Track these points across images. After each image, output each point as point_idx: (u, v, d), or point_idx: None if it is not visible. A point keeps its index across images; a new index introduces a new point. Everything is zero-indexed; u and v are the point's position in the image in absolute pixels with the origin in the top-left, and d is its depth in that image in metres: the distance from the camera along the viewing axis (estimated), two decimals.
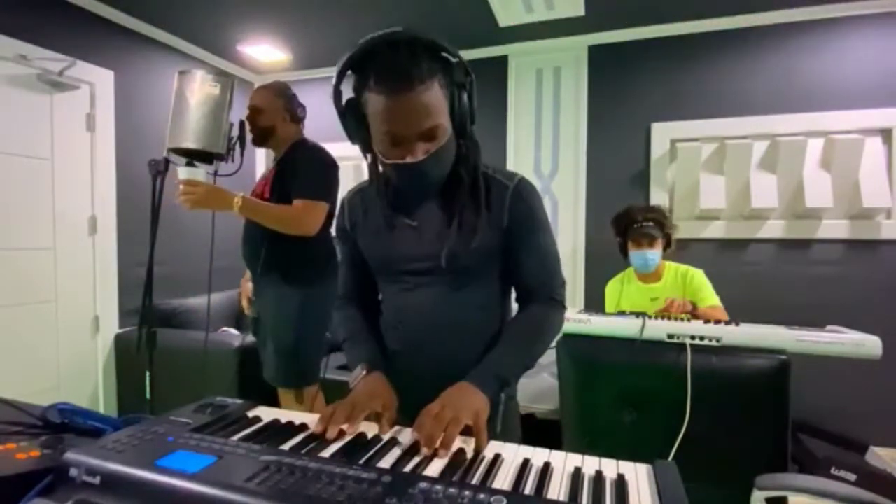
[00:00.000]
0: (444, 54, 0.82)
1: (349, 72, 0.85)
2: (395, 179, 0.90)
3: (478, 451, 0.68)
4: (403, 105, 0.79)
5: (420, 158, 0.83)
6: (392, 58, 0.79)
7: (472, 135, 0.92)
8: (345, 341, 1.03)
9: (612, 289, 2.40)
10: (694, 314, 1.98)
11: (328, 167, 1.87)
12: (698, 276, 2.19)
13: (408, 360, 0.98)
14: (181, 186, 1.67)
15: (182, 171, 1.68)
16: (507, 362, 0.89)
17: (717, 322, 1.68)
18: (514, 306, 1.04)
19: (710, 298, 2.13)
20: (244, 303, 2.06)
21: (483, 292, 0.97)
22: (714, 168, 2.85)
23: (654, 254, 2.16)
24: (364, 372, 0.92)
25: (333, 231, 1.29)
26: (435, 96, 0.81)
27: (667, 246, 2.22)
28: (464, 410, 0.74)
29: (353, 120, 0.87)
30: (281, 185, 1.84)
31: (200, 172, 1.70)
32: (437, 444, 0.67)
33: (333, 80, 0.86)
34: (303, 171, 1.82)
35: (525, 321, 0.97)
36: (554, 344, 1.79)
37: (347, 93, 0.87)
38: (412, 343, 0.98)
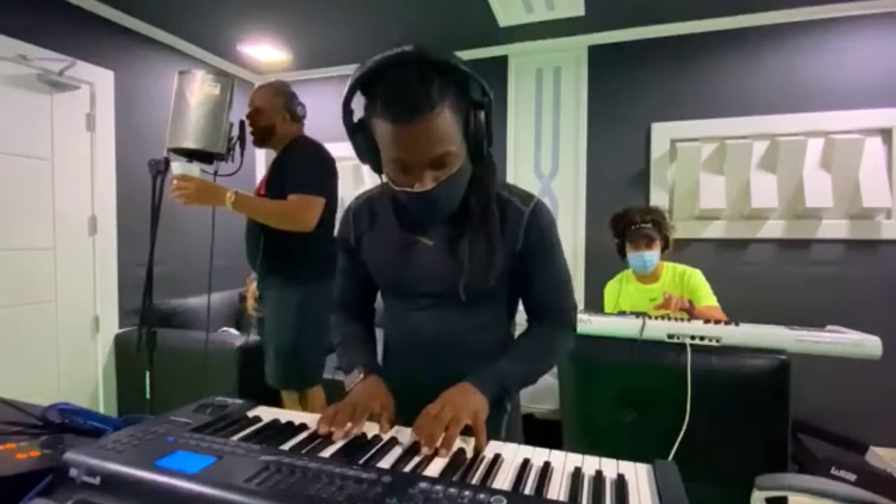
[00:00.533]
0: (458, 73, 0.77)
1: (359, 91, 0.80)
2: (405, 205, 0.86)
3: (477, 451, 0.68)
4: (411, 133, 0.74)
5: (428, 188, 0.78)
6: (399, 82, 0.74)
7: (490, 157, 0.88)
8: (338, 345, 1.03)
9: (610, 289, 2.41)
10: (691, 313, 1.98)
11: (324, 162, 1.86)
12: (696, 276, 2.20)
13: (413, 377, 0.96)
14: (174, 182, 1.68)
15: (176, 167, 1.69)
16: (511, 372, 0.89)
17: (718, 322, 1.68)
18: (521, 324, 1.03)
19: (707, 298, 2.13)
20: (250, 302, 2.04)
21: (492, 313, 0.97)
22: (714, 168, 2.85)
23: (653, 255, 2.17)
24: (361, 375, 0.91)
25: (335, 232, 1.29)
26: (445, 122, 0.75)
27: (665, 247, 2.22)
28: (463, 409, 0.74)
29: (363, 142, 0.82)
30: (277, 183, 1.83)
31: (195, 168, 1.70)
32: (438, 443, 0.67)
33: (342, 99, 0.82)
34: (298, 165, 1.82)
35: (534, 338, 0.96)
36: None
37: (358, 110, 0.83)
38: (418, 360, 0.97)
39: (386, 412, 0.80)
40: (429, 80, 0.73)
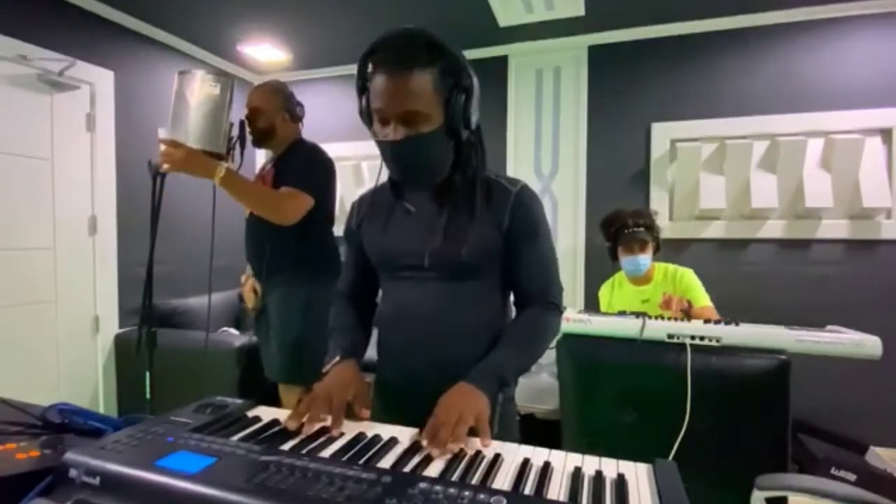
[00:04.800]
0: (450, 57, 0.88)
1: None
2: (385, 161, 0.94)
3: (484, 446, 0.69)
4: (391, 83, 0.85)
5: (398, 138, 0.87)
6: (396, 44, 0.86)
7: (477, 142, 0.96)
8: (330, 331, 1.06)
9: (604, 293, 2.42)
10: (688, 314, 1.98)
11: (321, 164, 1.87)
12: (688, 276, 2.19)
13: (405, 357, 0.99)
14: (162, 147, 1.61)
15: (162, 132, 1.66)
16: (507, 364, 0.90)
17: (717, 322, 1.68)
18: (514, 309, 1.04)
19: (702, 299, 2.13)
20: (249, 295, 2.01)
21: (481, 291, 0.97)
22: (714, 168, 2.85)
23: (646, 258, 2.17)
24: (337, 359, 0.94)
25: (339, 232, 1.30)
26: (423, 85, 0.85)
27: (656, 249, 2.22)
28: (468, 411, 0.75)
29: (365, 102, 0.93)
30: (278, 187, 1.83)
31: (182, 135, 1.67)
32: (452, 447, 0.67)
33: (357, 68, 0.93)
34: (296, 165, 1.83)
35: (524, 323, 0.98)
36: (554, 344, 1.80)
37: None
38: (409, 340, 0.99)
39: (359, 399, 0.82)
40: (420, 48, 0.86)
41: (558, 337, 1.79)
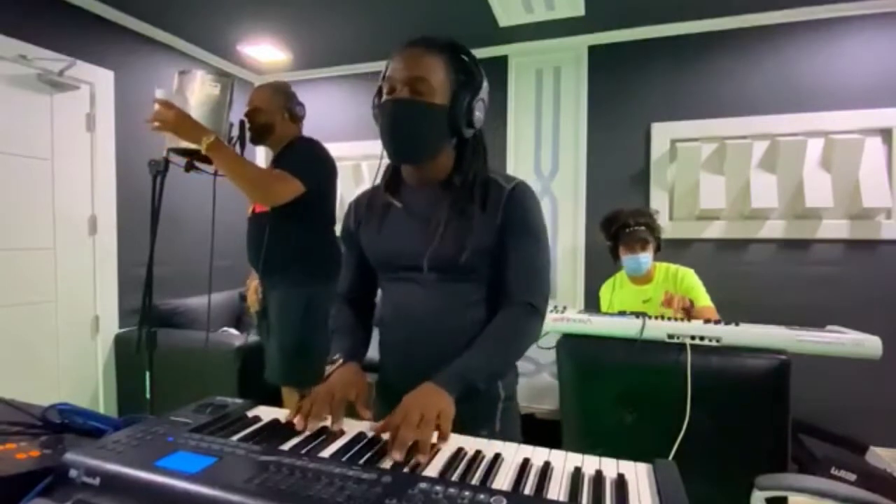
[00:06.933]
0: (466, 59, 0.94)
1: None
2: (380, 126, 0.94)
3: (439, 442, 0.70)
4: (404, 54, 0.91)
5: (400, 97, 0.89)
6: (418, 37, 0.93)
7: (476, 145, 0.98)
8: (333, 333, 1.07)
9: (604, 292, 2.42)
10: (689, 313, 1.98)
11: (317, 156, 1.86)
12: (689, 276, 2.19)
13: (407, 357, 0.99)
14: (156, 106, 1.60)
15: (159, 92, 1.65)
16: (474, 366, 0.87)
17: (717, 322, 1.68)
18: None
19: (703, 299, 2.13)
20: (251, 297, 2.02)
21: (480, 290, 0.97)
22: (714, 168, 2.85)
23: (647, 257, 2.17)
24: (340, 360, 0.95)
25: (339, 231, 1.30)
26: (435, 63, 0.90)
27: (657, 249, 2.23)
28: (430, 411, 0.73)
29: (378, 95, 0.97)
30: None
31: (179, 100, 1.66)
32: (408, 445, 0.65)
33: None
34: (292, 156, 1.84)
35: (500, 326, 0.93)
36: (554, 344, 1.80)
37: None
38: (410, 340, 0.99)
39: (360, 399, 0.84)
40: (437, 40, 0.92)
41: (558, 337, 1.79)
